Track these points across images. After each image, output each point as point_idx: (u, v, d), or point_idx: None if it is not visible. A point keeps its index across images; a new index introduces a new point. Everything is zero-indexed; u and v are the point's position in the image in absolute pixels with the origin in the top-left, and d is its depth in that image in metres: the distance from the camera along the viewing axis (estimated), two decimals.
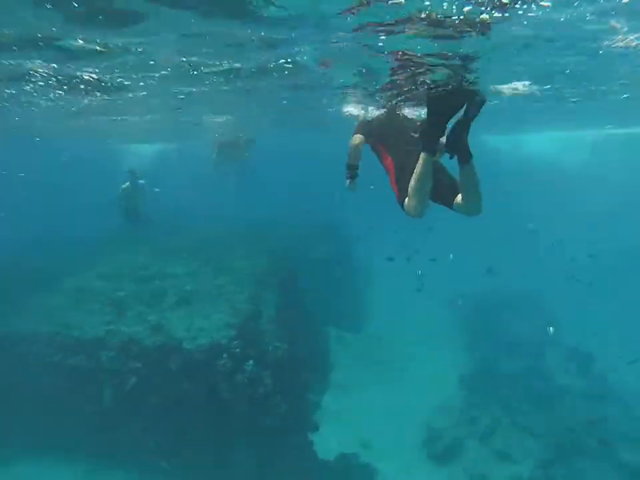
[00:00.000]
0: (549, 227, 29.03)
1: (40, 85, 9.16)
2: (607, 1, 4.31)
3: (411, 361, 16.72)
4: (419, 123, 5.67)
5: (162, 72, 7.96)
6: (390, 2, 4.18)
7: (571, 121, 19.64)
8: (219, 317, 11.57)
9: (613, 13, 4.66)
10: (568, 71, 8.15)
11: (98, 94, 10.52)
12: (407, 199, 4.55)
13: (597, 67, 7.67)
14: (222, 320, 11.40)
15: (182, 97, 11.05)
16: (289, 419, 10.36)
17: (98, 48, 6.23)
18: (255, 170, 19.47)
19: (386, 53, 6.12)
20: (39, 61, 7.14)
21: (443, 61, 6.10)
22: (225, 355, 10.40)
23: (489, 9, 4.36)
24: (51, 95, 10.61)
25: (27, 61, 7.15)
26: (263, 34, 5.59)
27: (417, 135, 5.12)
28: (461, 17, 4.58)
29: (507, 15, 4.54)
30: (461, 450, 12.50)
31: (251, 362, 10.28)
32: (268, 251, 16.24)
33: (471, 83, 7.06)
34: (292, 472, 10.67)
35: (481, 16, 4.57)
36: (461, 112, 4.08)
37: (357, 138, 5.74)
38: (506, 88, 9.66)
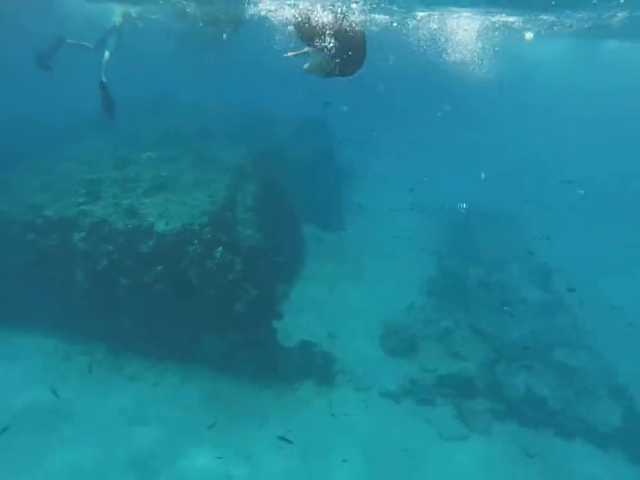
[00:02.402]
0: None
1: None
2: None
3: (383, 261, 17.32)
4: None
5: None
6: None
7: None
8: (193, 204, 11.59)
9: None
10: None
11: None
12: None
13: None
14: (197, 207, 11.44)
15: None
16: (256, 306, 10.80)
17: None
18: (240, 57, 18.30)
19: None
20: None
21: None
22: (195, 241, 10.56)
23: None
24: None
25: None
26: None
27: None
28: None
29: None
30: (416, 347, 13.37)
31: (220, 248, 10.47)
32: (252, 143, 15.95)
33: None
34: (256, 356, 11.39)
35: None
36: None
37: None
38: None
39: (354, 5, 13.92)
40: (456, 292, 15.95)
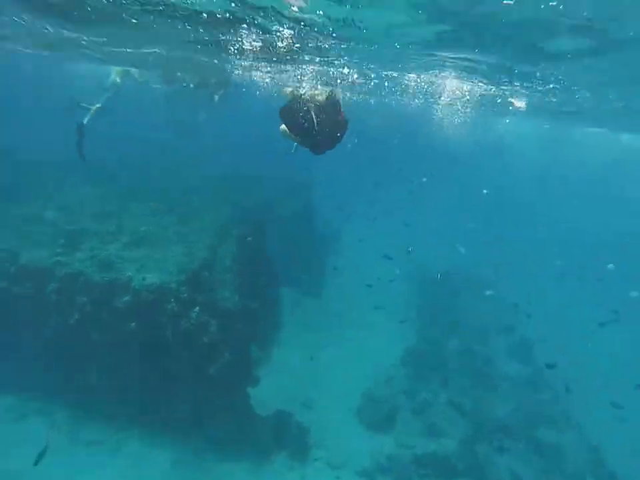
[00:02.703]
0: None
1: None
2: None
3: (362, 329, 17.00)
4: None
5: None
6: None
7: None
8: (172, 261, 11.36)
9: None
10: None
11: None
12: None
13: None
14: (175, 264, 11.21)
15: None
16: (230, 370, 10.37)
17: None
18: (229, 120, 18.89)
19: None
20: None
21: None
22: (172, 299, 10.27)
23: None
24: None
25: None
26: None
27: None
28: None
29: None
30: (394, 420, 12.87)
31: (197, 309, 10.18)
32: (235, 203, 16.00)
33: None
34: (229, 423, 10.80)
35: None
36: None
37: None
38: None
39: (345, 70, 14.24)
40: (435, 363, 15.63)
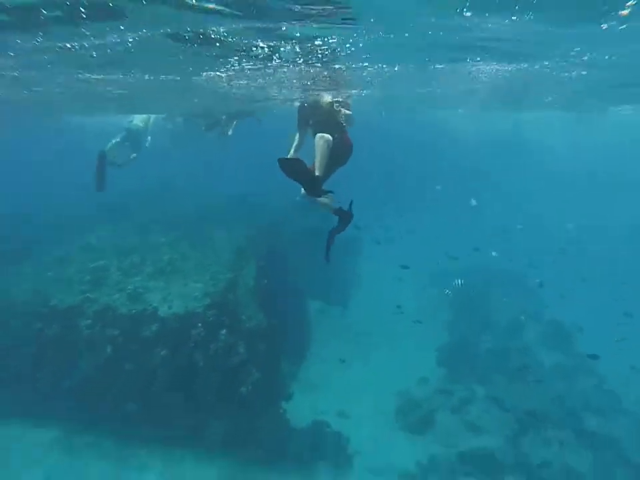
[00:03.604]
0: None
1: None
2: None
3: (392, 335, 16.89)
4: None
5: None
6: None
7: None
8: (195, 286, 11.62)
9: None
10: None
11: None
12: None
13: None
14: (198, 289, 11.46)
15: None
16: (262, 388, 10.47)
17: None
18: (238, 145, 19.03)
19: None
20: None
21: None
22: (199, 324, 10.48)
23: None
24: None
25: None
26: None
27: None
28: None
29: None
30: (433, 421, 12.73)
31: (224, 331, 10.35)
32: (250, 222, 16.24)
33: None
34: (265, 440, 10.87)
35: None
36: None
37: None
38: None
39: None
40: (469, 361, 15.40)
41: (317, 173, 6.20)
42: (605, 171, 43.71)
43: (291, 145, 7.75)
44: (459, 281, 16.50)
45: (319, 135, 6.39)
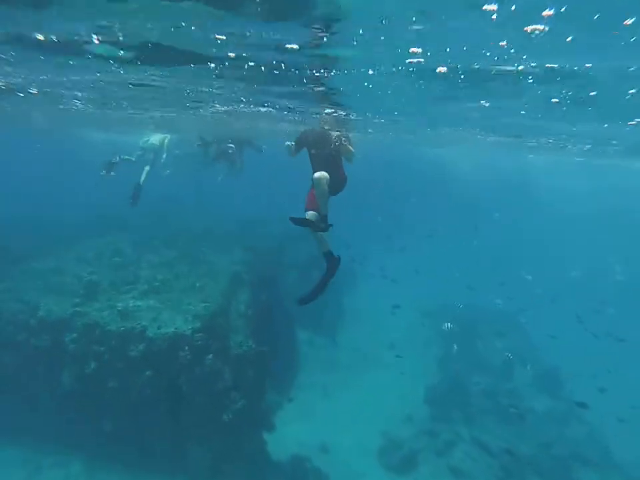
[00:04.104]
0: None
1: None
2: None
3: (380, 369, 16.71)
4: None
5: None
6: None
7: None
8: (186, 308, 11.53)
9: None
10: None
11: None
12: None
13: None
14: (189, 311, 11.38)
15: None
16: (245, 416, 10.31)
17: None
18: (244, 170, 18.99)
19: None
20: None
21: None
22: (186, 347, 10.38)
23: None
24: None
25: None
26: None
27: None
28: None
29: None
30: (416, 462, 12.49)
31: (210, 356, 10.25)
32: (248, 249, 16.26)
33: None
34: (245, 470, 10.65)
35: None
36: None
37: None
38: None
39: None
40: (458, 401, 15.20)
41: (322, 212, 6.89)
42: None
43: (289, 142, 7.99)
44: (448, 324, 16.48)
45: (317, 174, 6.72)
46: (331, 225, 6.92)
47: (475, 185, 43.20)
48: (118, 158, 15.58)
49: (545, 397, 16.83)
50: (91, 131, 24.74)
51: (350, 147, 7.47)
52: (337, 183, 7.36)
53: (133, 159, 16.28)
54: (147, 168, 16.02)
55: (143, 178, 15.63)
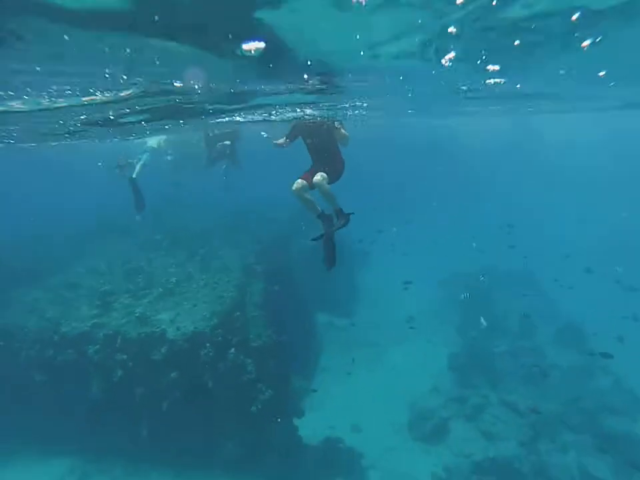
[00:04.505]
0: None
1: None
2: None
3: (401, 343, 16.81)
4: None
5: None
6: None
7: None
8: (203, 307, 11.65)
9: None
10: None
11: None
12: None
13: None
14: (206, 309, 11.49)
15: None
16: (273, 405, 10.46)
17: None
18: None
19: None
20: None
21: None
22: (207, 344, 10.50)
23: None
24: None
25: None
26: None
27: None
28: None
29: None
30: (447, 430, 12.63)
31: (232, 350, 10.37)
32: (257, 238, 16.29)
33: None
34: (278, 457, 10.84)
35: None
36: None
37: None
38: None
39: None
40: (481, 366, 15.27)
41: (336, 207, 7.22)
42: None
43: (277, 140, 8.09)
44: (464, 292, 16.43)
45: (316, 179, 6.96)
46: (352, 213, 7.22)
47: (477, 149, 42.73)
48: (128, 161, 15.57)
49: (568, 352, 16.82)
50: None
51: (343, 131, 7.47)
52: (336, 170, 7.48)
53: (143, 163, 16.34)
54: (141, 163, 15.83)
55: (136, 170, 15.36)
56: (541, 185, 42.30)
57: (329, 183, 7.10)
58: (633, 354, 14.97)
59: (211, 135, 17.06)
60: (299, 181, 7.19)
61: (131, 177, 14.57)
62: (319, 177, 6.98)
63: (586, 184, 41.43)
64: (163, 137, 17.99)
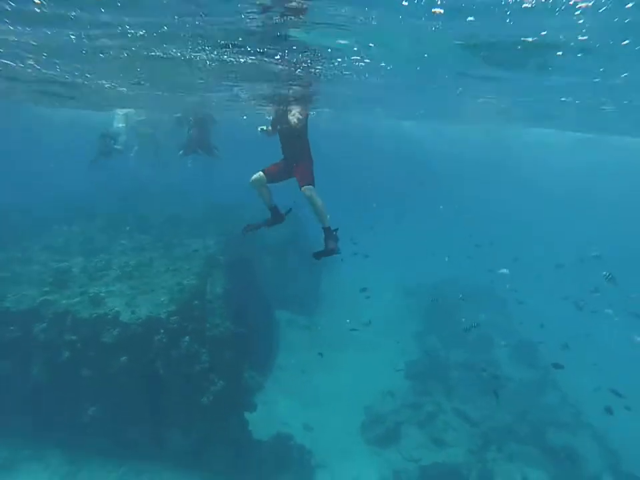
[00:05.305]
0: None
1: None
2: None
3: (361, 346, 16.78)
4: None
5: None
6: None
7: None
8: (161, 292, 11.29)
9: None
10: None
11: None
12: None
13: None
14: (164, 294, 11.14)
15: None
16: (225, 398, 10.19)
17: None
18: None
19: None
20: None
21: None
22: (162, 330, 10.17)
23: None
24: None
25: None
26: None
27: None
28: None
29: None
30: (399, 435, 12.63)
31: (187, 338, 10.07)
32: (223, 231, 16.00)
33: None
34: (227, 451, 10.58)
35: None
36: None
37: None
38: None
39: None
40: (437, 374, 15.40)
41: (326, 225, 7.27)
42: None
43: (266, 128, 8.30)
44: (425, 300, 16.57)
45: (306, 192, 7.07)
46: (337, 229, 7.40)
47: (448, 159, 43.40)
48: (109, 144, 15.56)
49: (521, 366, 17.20)
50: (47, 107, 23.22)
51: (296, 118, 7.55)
52: (307, 168, 7.51)
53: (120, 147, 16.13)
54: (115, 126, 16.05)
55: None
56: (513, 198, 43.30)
57: (309, 184, 7.14)
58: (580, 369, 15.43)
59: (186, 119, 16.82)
60: (260, 174, 7.51)
61: (115, 146, 14.84)
62: (307, 191, 7.05)
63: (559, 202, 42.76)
64: (131, 110, 17.67)
